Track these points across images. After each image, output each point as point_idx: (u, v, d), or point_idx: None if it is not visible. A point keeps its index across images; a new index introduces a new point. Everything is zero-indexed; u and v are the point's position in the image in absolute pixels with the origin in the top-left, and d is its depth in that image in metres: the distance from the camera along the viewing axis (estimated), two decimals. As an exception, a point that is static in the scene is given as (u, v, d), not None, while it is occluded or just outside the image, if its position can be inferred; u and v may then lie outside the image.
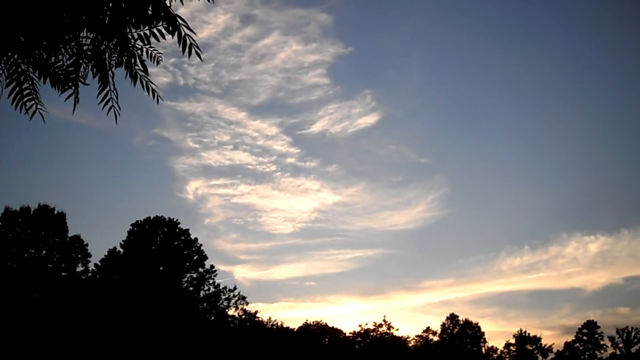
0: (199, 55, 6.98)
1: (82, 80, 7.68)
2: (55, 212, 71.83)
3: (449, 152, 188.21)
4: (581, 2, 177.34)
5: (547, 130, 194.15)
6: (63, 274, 70.41)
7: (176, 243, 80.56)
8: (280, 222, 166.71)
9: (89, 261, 74.11)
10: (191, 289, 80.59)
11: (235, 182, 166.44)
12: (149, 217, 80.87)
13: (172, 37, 6.86)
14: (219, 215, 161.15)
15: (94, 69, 7.50)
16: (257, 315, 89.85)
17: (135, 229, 79.68)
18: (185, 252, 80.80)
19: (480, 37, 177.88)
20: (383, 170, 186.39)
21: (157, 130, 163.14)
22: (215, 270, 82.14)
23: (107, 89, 7.61)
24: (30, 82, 7.93)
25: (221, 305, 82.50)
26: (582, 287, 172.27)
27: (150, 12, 6.79)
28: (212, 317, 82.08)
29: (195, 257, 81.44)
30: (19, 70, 7.81)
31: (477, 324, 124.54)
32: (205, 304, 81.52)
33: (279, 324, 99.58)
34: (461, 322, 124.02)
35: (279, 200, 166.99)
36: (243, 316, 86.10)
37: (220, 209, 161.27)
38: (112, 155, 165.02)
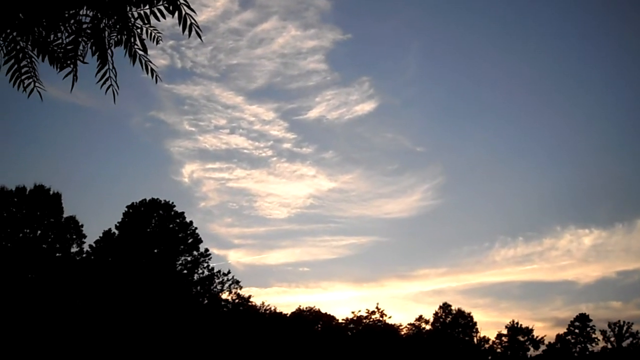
0: (199, 36, 6.97)
1: (81, 59, 7.66)
2: (51, 192, 71.78)
3: (445, 142, 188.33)
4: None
5: (543, 122, 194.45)
6: (58, 254, 70.44)
7: (171, 226, 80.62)
8: (275, 208, 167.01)
9: (84, 242, 74.20)
10: (185, 272, 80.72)
11: (231, 167, 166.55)
12: (145, 200, 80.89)
13: (172, 16, 6.86)
14: (214, 199, 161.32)
15: (93, 48, 7.48)
16: (251, 299, 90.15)
17: (131, 210, 79.70)
18: (180, 235, 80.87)
19: (478, 27, 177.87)
20: (379, 158, 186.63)
21: (153, 112, 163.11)
22: (210, 254, 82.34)
23: (106, 67, 7.58)
24: (28, 60, 7.89)
25: (215, 289, 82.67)
26: (575, 280, 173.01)
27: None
28: (206, 301, 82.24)
29: (189, 240, 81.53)
30: (18, 47, 7.77)
31: (469, 313, 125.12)
32: (199, 287, 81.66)
33: (272, 308, 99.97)
34: (454, 312, 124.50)
35: (274, 185, 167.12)
36: (236, 300, 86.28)
37: (216, 192, 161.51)
38: (108, 137, 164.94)
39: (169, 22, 7.01)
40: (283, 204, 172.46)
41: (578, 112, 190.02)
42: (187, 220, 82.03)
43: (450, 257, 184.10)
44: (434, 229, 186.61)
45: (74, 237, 72.78)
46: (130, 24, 7.29)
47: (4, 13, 7.31)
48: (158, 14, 7.22)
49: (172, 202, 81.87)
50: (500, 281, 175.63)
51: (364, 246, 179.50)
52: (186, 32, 6.91)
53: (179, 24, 6.85)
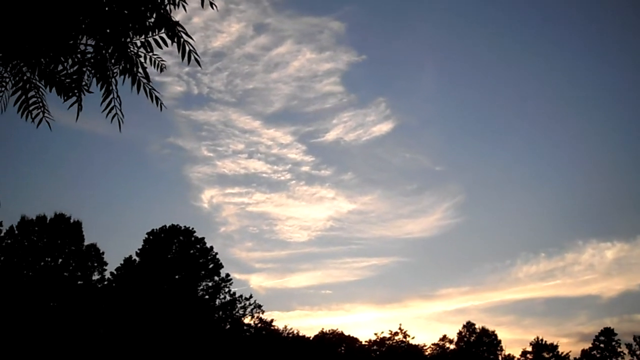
0: (198, 62, 7.00)
1: (86, 89, 7.70)
2: (72, 220, 72.24)
3: (464, 160, 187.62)
4: (600, 13, 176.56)
5: (563, 137, 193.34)
6: (79, 282, 70.70)
7: (192, 251, 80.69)
8: (295, 231, 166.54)
9: (105, 269, 74.49)
10: (207, 297, 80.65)
11: (250, 191, 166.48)
12: (165, 226, 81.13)
13: (172, 43, 6.89)
14: (234, 224, 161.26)
15: (97, 77, 7.52)
16: (273, 323, 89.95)
17: (151, 237, 79.90)
18: (200, 261, 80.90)
19: (494, 44, 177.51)
20: (398, 178, 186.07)
21: (171, 139, 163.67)
22: (231, 279, 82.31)
23: (111, 97, 7.62)
24: (36, 91, 7.94)
25: (237, 314, 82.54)
26: (598, 294, 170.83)
27: (150, 21, 6.81)
28: (228, 326, 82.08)
29: (210, 266, 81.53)
30: (25, 78, 7.83)
31: (493, 332, 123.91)
32: (220, 313, 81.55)
33: (295, 332, 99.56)
34: (478, 330, 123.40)
35: (294, 208, 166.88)
36: (259, 324, 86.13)
37: (236, 217, 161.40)
38: (127, 164, 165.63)
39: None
40: (303, 227, 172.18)
41: (598, 125, 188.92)
42: (208, 245, 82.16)
43: (473, 276, 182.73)
44: (455, 247, 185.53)
45: (95, 264, 73.08)
46: (131, 53, 7.33)
47: (9, 44, 7.37)
48: (161, 42, 7.26)
49: (192, 228, 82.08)
50: (523, 298, 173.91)
51: (385, 267, 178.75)
52: (185, 58, 6.95)
53: (178, 51, 6.90)
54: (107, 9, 6.81)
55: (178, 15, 7.07)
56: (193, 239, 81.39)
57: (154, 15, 6.86)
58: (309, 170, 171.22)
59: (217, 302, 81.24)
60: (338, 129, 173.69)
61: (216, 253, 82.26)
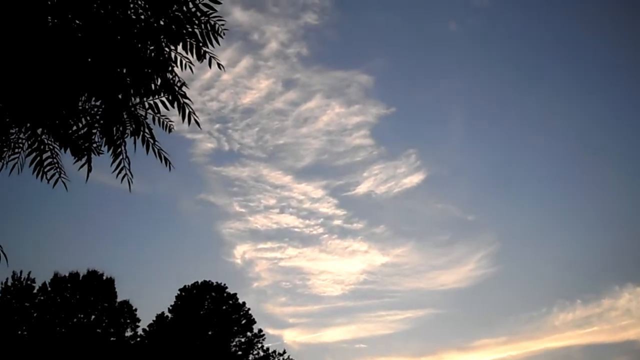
0: (197, 123, 7.12)
1: (97, 149, 7.83)
2: (104, 277, 72.53)
3: (496, 208, 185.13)
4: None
5: (596, 181, 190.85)
6: (112, 338, 70.65)
7: (224, 307, 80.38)
8: (328, 285, 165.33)
9: (138, 326, 74.32)
10: (240, 353, 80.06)
11: (282, 246, 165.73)
12: (197, 282, 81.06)
13: (172, 106, 7.01)
14: (267, 279, 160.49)
15: (104, 139, 7.65)
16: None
17: (183, 293, 79.82)
18: (233, 317, 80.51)
19: (524, 89, 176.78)
20: (430, 230, 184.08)
21: (203, 195, 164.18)
22: (264, 334, 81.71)
23: (120, 157, 7.74)
24: (51, 152, 8.07)
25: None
26: (637, 339, 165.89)
27: (155, 86, 6.94)
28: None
29: (243, 321, 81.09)
30: (39, 139, 7.98)
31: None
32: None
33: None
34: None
35: (326, 262, 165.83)
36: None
37: (268, 272, 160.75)
38: (159, 221, 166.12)
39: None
40: (336, 281, 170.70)
41: (633, 168, 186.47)
42: (240, 301, 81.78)
43: (509, 325, 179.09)
44: (490, 297, 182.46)
45: (128, 321, 73.07)
46: (140, 116, 7.46)
47: (22, 107, 7.53)
48: (167, 104, 7.40)
49: (225, 284, 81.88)
50: (561, 346, 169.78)
51: (420, 319, 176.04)
52: (185, 120, 7.06)
53: (179, 112, 7.01)
54: (113, 72, 6.96)
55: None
56: (225, 294, 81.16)
57: (159, 79, 7.00)
58: (340, 223, 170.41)
59: (251, 357, 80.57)
60: (369, 181, 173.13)
61: (249, 309, 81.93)
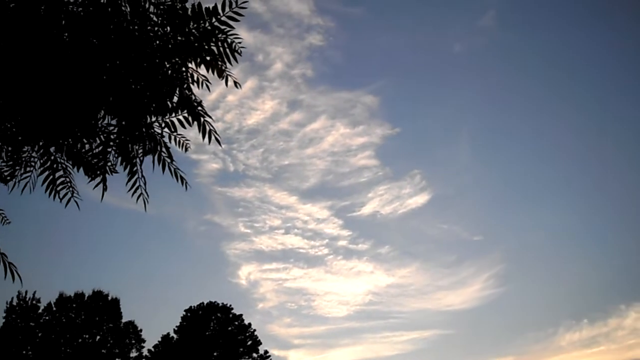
0: (218, 141, 6.99)
1: (112, 168, 7.69)
2: (110, 298, 72.50)
3: (503, 228, 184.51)
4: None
5: (600, 200, 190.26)
6: (117, 359, 70.45)
7: (230, 328, 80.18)
8: (334, 306, 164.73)
9: (143, 347, 74.23)
10: (246, 374, 79.78)
11: (287, 267, 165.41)
12: (202, 303, 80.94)
13: (192, 124, 6.88)
14: (272, 300, 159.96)
15: (120, 157, 7.51)
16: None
17: (189, 314, 79.68)
18: (239, 338, 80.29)
19: (529, 109, 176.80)
20: (436, 250, 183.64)
21: (208, 215, 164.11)
22: (270, 355, 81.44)
23: (136, 177, 7.60)
24: (64, 170, 7.94)
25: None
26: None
27: (172, 103, 6.83)
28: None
29: (249, 342, 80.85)
30: (52, 158, 7.85)
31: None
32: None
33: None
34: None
35: (332, 283, 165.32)
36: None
37: (274, 293, 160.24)
38: (165, 241, 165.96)
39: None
40: (342, 302, 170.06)
41: (637, 185, 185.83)
42: (246, 322, 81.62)
43: (516, 346, 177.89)
44: (496, 318, 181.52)
45: (133, 341, 72.92)
46: (154, 133, 7.33)
47: (35, 125, 7.40)
48: (184, 122, 7.27)
49: (230, 305, 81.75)
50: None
51: (426, 340, 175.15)
52: (206, 138, 6.93)
53: (199, 130, 6.88)
54: (130, 89, 6.84)
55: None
56: (231, 315, 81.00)
57: (176, 96, 6.89)
58: (346, 244, 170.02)
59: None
60: (374, 202, 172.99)
61: (254, 329, 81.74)
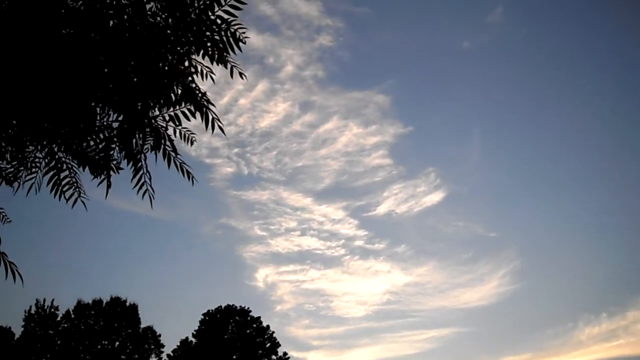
0: (222, 130, 6.78)
1: (116, 166, 7.51)
2: (128, 304, 72.62)
3: (518, 223, 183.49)
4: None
5: (617, 192, 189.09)
6: (137, 365, 70.60)
7: (248, 331, 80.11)
8: (352, 306, 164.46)
9: (162, 352, 74.29)
10: (265, 376, 79.65)
11: (304, 268, 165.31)
12: (220, 307, 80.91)
13: (195, 116, 6.70)
14: (290, 302, 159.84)
15: (123, 153, 7.32)
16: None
17: (207, 318, 79.66)
18: (257, 340, 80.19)
19: (542, 103, 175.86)
20: (452, 248, 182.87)
21: (224, 219, 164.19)
22: (289, 357, 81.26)
23: (140, 172, 7.42)
24: (70, 170, 7.77)
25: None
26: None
27: (175, 95, 6.65)
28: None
29: (267, 345, 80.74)
30: (57, 158, 7.68)
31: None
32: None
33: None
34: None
35: (349, 283, 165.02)
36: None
37: (291, 295, 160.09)
38: (181, 246, 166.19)
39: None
40: (360, 302, 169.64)
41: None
42: (264, 324, 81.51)
43: (535, 342, 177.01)
44: (515, 314, 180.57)
45: (152, 347, 73.00)
46: (161, 128, 7.14)
47: (38, 125, 7.24)
48: (188, 114, 7.08)
49: (248, 308, 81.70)
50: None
51: (444, 338, 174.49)
52: (209, 127, 6.73)
53: (202, 120, 6.69)
54: (131, 82, 6.65)
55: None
56: (249, 318, 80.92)
57: (180, 88, 6.69)
58: (362, 244, 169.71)
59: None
60: (389, 201, 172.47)
61: (273, 332, 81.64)
